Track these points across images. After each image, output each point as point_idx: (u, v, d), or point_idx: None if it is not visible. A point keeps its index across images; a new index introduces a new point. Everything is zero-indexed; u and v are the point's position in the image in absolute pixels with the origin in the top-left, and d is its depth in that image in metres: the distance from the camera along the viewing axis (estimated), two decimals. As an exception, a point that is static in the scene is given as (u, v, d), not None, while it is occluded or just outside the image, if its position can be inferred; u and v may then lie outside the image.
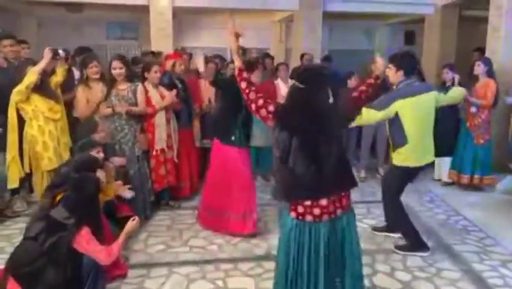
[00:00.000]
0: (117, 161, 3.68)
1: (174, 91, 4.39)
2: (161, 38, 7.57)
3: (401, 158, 3.48)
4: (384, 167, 5.46)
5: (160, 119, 4.27)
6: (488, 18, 6.26)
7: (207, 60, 5.61)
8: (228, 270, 3.34)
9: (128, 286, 3.10)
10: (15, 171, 4.04)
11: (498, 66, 5.61)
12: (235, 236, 3.87)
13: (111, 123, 3.97)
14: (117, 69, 3.98)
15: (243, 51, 5.73)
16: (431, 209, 4.70)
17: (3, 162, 4.13)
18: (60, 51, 4.15)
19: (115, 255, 2.64)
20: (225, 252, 3.65)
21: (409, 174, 3.62)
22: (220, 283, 3.16)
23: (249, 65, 3.56)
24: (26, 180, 4.33)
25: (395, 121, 3.40)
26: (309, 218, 2.24)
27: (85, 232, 2.49)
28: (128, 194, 3.39)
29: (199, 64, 3.94)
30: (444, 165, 5.46)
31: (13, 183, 4.09)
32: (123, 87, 4.05)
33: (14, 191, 4.32)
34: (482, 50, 6.58)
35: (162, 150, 4.32)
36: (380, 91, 3.25)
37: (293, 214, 2.28)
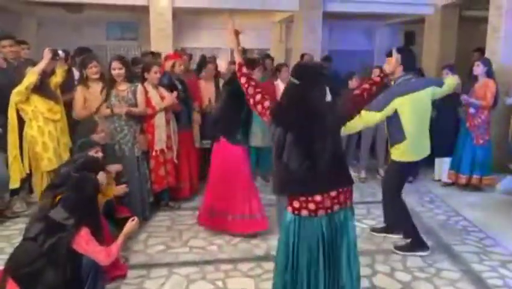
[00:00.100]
0: (114, 168, 3.63)
1: (175, 93, 4.39)
2: (160, 38, 7.58)
3: (398, 152, 3.52)
4: (383, 168, 5.45)
5: (160, 120, 4.27)
6: (488, 18, 6.26)
7: (207, 61, 5.64)
8: (228, 270, 3.34)
9: (127, 286, 3.10)
10: (17, 171, 4.04)
11: (498, 66, 5.62)
12: (235, 237, 3.86)
13: (111, 123, 3.97)
14: (117, 70, 3.98)
15: (243, 50, 5.73)
16: (431, 210, 4.70)
17: (3, 163, 4.13)
18: (60, 52, 4.15)
19: (114, 256, 2.64)
20: (225, 253, 3.65)
21: (406, 169, 3.64)
22: (219, 283, 3.15)
23: (250, 62, 3.58)
24: (26, 181, 4.32)
25: (393, 118, 3.42)
26: (304, 212, 2.26)
27: (85, 232, 2.48)
28: (121, 190, 3.40)
29: (221, 64, 3.90)
30: (444, 165, 5.46)
31: (14, 183, 4.09)
32: (123, 88, 4.05)
33: (14, 192, 4.32)
34: (482, 50, 6.58)
35: (162, 151, 4.32)
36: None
37: (289, 209, 2.30)
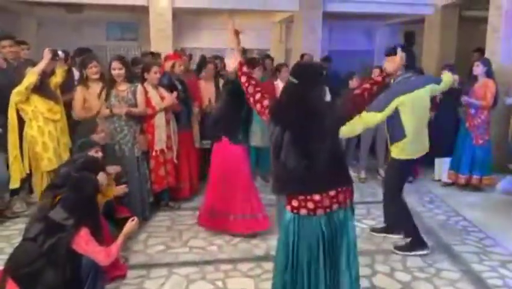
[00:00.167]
0: (113, 169, 3.61)
1: (175, 93, 4.39)
2: (160, 39, 7.58)
3: (398, 150, 3.52)
4: (383, 168, 5.45)
5: (160, 120, 4.27)
6: (488, 18, 6.26)
7: (207, 61, 5.63)
8: (228, 270, 3.34)
9: (127, 286, 3.10)
10: (17, 171, 4.04)
11: (498, 66, 5.61)
12: (234, 237, 3.86)
13: (111, 123, 3.97)
14: (117, 70, 3.98)
15: (243, 50, 5.73)
16: (431, 210, 4.70)
17: (3, 163, 4.13)
18: (59, 52, 4.16)
19: (114, 256, 2.63)
20: (225, 253, 3.65)
21: (406, 167, 3.64)
22: (219, 283, 3.15)
23: (250, 62, 3.58)
24: (26, 181, 4.33)
25: (394, 116, 3.42)
26: (303, 211, 2.26)
27: (84, 232, 2.48)
28: (121, 190, 3.40)
29: (231, 64, 3.86)
30: (444, 165, 5.46)
31: (15, 183, 4.09)
32: (123, 88, 4.05)
33: (14, 192, 4.32)
34: (482, 50, 6.57)
35: (162, 151, 4.32)
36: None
37: (288, 208, 2.31)
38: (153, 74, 4.25)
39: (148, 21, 7.73)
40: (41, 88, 3.95)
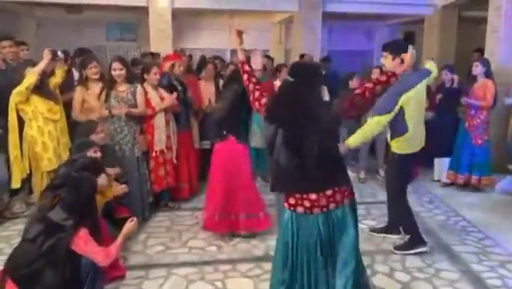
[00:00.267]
0: (113, 171, 3.61)
1: (174, 94, 4.39)
2: (160, 39, 7.59)
3: (398, 145, 3.53)
4: (383, 168, 5.45)
5: (159, 120, 4.27)
6: (487, 18, 6.26)
7: (207, 61, 5.63)
8: (227, 271, 3.34)
9: (126, 287, 3.10)
10: (18, 172, 4.04)
11: (497, 67, 5.62)
12: (234, 237, 3.86)
13: (111, 124, 3.97)
14: (117, 70, 3.98)
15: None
16: (430, 210, 4.70)
17: (3, 164, 4.13)
18: (59, 52, 4.16)
19: (113, 256, 2.63)
20: (224, 253, 3.65)
21: (406, 163, 3.63)
22: (219, 284, 3.16)
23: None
24: (26, 182, 4.32)
25: (397, 113, 3.40)
26: (300, 209, 2.27)
27: (83, 233, 2.48)
28: (121, 190, 3.40)
29: (257, 62, 3.81)
30: (443, 166, 5.46)
31: (16, 183, 4.09)
32: (123, 89, 4.05)
33: (13, 192, 4.32)
34: (481, 50, 6.58)
35: (162, 152, 4.32)
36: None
37: (286, 205, 2.32)
38: (153, 75, 4.25)
39: (148, 22, 7.74)
40: (41, 89, 3.95)
